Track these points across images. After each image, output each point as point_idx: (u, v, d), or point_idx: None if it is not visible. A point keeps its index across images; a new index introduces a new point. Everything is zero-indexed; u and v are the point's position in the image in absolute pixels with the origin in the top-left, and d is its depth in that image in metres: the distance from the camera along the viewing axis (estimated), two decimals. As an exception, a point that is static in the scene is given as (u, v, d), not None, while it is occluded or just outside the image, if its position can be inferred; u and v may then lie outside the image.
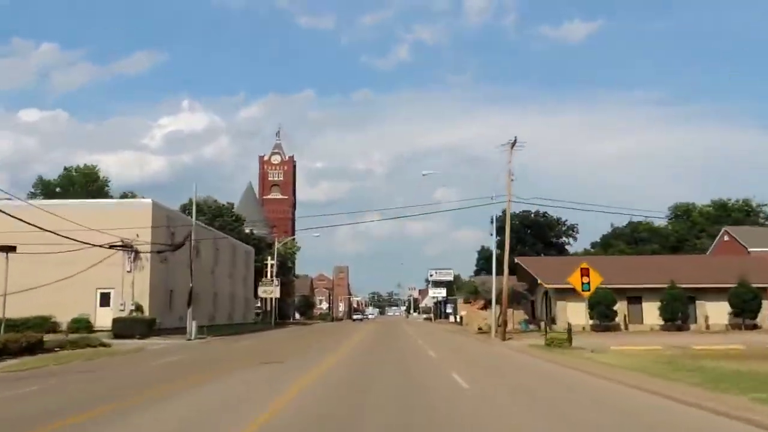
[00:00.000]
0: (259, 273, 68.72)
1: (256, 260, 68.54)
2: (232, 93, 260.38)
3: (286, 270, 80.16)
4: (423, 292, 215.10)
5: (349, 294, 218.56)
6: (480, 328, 46.31)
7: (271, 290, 68.25)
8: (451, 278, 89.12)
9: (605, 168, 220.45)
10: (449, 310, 74.76)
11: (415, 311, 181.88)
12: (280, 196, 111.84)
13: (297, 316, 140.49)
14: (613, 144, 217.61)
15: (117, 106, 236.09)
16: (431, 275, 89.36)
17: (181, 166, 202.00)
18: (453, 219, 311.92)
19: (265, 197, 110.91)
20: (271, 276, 67.19)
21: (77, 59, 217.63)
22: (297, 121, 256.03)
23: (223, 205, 67.03)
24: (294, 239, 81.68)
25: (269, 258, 70.64)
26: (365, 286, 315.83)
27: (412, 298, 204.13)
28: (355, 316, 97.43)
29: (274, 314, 67.89)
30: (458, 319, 67.95)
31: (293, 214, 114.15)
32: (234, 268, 59.16)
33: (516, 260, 44.24)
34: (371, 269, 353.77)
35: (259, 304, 75.58)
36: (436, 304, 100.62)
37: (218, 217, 65.01)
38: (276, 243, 72.10)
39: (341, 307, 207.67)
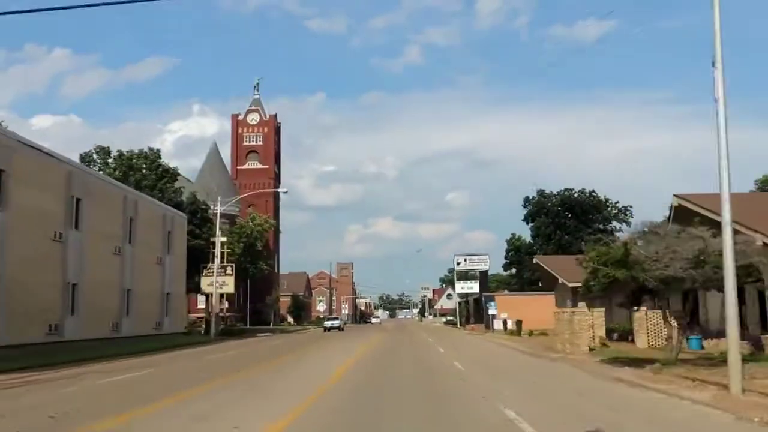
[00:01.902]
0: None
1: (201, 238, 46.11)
2: (242, 96, 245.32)
3: (253, 255, 57.89)
4: (439, 293, 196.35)
5: (354, 294, 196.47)
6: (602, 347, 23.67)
7: (219, 283, 45.55)
8: (486, 266, 66.90)
9: (618, 167, 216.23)
10: (493, 311, 52.22)
11: (429, 314, 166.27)
12: (259, 166, 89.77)
13: (290, 320, 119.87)
14: (624, 143, 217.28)
15: (129, 111, 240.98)
16: (458, 263, 67.04)
17: (191, 170, 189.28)
18: (466, 221, 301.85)
19: (239, 167, 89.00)
20: (220, 261, 44.80)
21: (90, 64, 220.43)
22: (308, 125, 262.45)
23: (141, 152, 44.57)
24: (269, 217, 59.88)
25: (229, 237, 48.32)
26: (375, 288, 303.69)
27: (426, 299, 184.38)
28: (327, 323, 65.58)
29: (215, 321, 45.32)
30: (513, 326, 45.34)
31: (276, 187, 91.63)
32: (156, 246, 37.12)
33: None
34: (381, 272, 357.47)
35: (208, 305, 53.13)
36: (463, 303, 78.02)
37: (132, 171, 42.50)
38: (216, 216, 49.71)
39: (345, 309, 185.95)
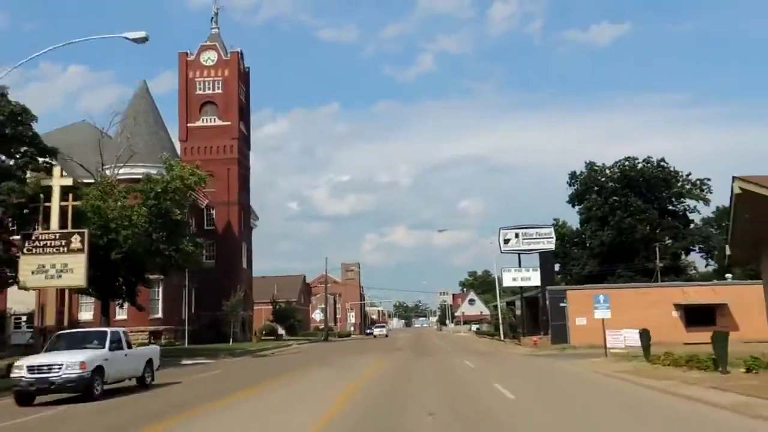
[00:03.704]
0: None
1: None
2: (256, 108, 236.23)
3: (169, 229, 35.16)
4: (459, 299, 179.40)
5: (363, 300, 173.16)
6: None
7: (56, 268, 21.54)
8: (550, 246, 44.03)
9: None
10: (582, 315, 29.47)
11: (450, 321, 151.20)
12: (218, 122, 66.79)
13: (281, 331, 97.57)
14: (639, 148, 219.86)
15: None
16: (505, 239, 43.91)
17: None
18: (481, 228, 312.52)
19: (190, 125, 65.96)
20: (60, 226, 21.42)
21: (105, 80, 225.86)
22: (322, 135, 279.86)
23: None
24: (202, 172, 37.48)
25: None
26: (390, 297, 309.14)
27: (446, 305, 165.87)
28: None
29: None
30: (620, 341, 21.63)
31: (243, 154, 68.91)
32: None
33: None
34: (396, 281, 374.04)
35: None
36: (506, 307, 55.12)
37: None
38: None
39: (352, 317, 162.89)
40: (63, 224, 25.51)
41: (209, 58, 69.54)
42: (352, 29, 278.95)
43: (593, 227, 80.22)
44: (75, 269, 24.81)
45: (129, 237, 34.85)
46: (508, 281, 46.57)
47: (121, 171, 49.36)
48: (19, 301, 53.45)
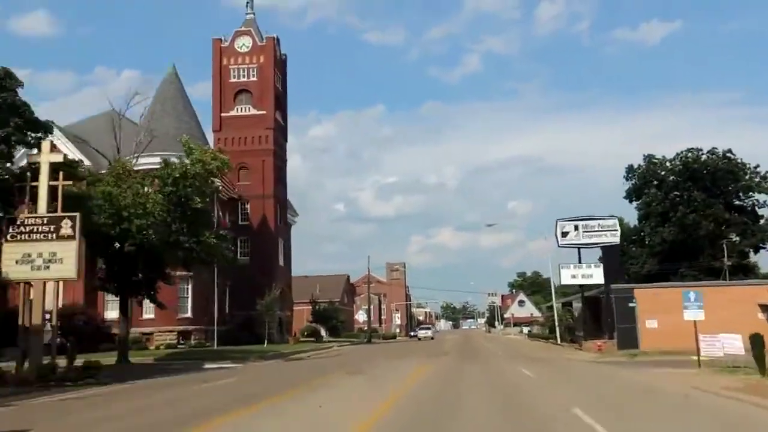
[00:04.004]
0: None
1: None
2: (303, 111, 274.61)
3: (189, 219, 31.67)
4: (508, 300, 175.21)
5: (408, 301, 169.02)
6: None
7: (44, 258, 17.84)
8: (615, 239, 39.47)
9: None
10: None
11: (499, 323, 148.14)
12: (252, 111, 63.66)
13: (323, 333, 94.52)
14: (689, 147, 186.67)
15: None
16: (563, 232, 39.47)
17: None
18: (528, 230, 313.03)
19: (224, 114, 62.86)
20: (48, 207, 18.08)
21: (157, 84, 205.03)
22: (368, 137, 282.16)
23: None
24: (222, 154, 33.80)
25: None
26: (436, 297, 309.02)
27: (495, 307, 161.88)
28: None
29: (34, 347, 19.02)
30: (719, 346, 16.79)
31: (279, 145, 65.67)
32: None
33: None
34: (443, 283, 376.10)
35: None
36: (564, 308, 50.67)
37: None
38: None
39: (397, 319, 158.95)
40: (59, 208, 22.15)
41: (244, 44, 66.48)
42: (398, 31, 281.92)
43: (653, 224, 75.32)
44: (65, 259, 21.45)
45: (143, 227, 31.59)
46: (566, 279, 41.99)
47: (145, 160, 46.67)
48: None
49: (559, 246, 42.34)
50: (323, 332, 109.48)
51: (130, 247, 31.96)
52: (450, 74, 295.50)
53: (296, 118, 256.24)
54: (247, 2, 69.56)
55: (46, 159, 21.88)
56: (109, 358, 37.33)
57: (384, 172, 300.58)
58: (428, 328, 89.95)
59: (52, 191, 22.06)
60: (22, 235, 21.52)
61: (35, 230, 21.50)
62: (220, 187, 47.81)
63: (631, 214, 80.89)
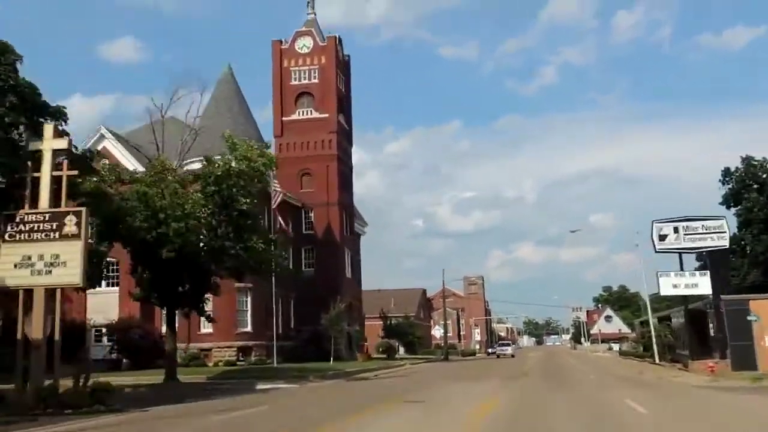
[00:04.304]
0: None
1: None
2: (379, 128, 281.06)
3: (236, 223, 28.37)
4: (594, 315, 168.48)
5: (488, 315, 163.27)
6: None
7: (46, 261, 14.41)
8: (724, 243, 35.11)
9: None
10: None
11: (585, 340, 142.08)
12: (314, 115, 60.69)
13: (401, 350, 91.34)
14: None
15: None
16: (661, 236, 34.49)
17: None
18: (611, 243, 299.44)
19: (285, 118, 60.15)
20: (52, 204, 14.99)
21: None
22: (445, 152, 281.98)
23: None
24: (266, 149, 30.48)
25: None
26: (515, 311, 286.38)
27: (580, 322, 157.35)
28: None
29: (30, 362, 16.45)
30: None
31: (344, 150, 62.51)
32: None
33: None
34: (524, 298, 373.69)
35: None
36: (662, 323, 45.39)
37: None
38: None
39: (476, 334, 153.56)
40: (62, 203, 19.07)
41: (304, 45, 63.78)
42: (472, 45, 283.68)
43: (755, 231, 68.23)
44: (69, 262, 18.29)
45: (181, 230, 28.48)
46: (666, 289, 36.53)
47: (196, 166, 44.25)
48: (98, 310, 49.14)
49: (656, 251, 36.92)
50: (399, 348, 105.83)
51: (169, 254, 28.88)
52: (526, 87, 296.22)
53: (373, 135, 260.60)
54: (308, 2, 66.97)
55: (48, 146, 18.84)
56: (159, 376, 34.60)
57: (461, 187, 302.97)
58: (507, 345, 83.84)
59: (57, 183, 18.96)
60: (22, 235, 18.51)
61: (36, 228, 18.46)
62: (277, 190, 44.63)
63: (729, 220, 74.11)
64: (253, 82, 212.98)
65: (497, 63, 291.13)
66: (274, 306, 45.42)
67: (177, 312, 33.78)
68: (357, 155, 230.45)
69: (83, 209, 18.66)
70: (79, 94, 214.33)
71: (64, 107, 21.04)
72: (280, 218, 45.24)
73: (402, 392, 24.94)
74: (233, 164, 30.71)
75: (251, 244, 31.29)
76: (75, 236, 18.40)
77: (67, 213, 18.56)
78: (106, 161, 31.11)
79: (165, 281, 32.16)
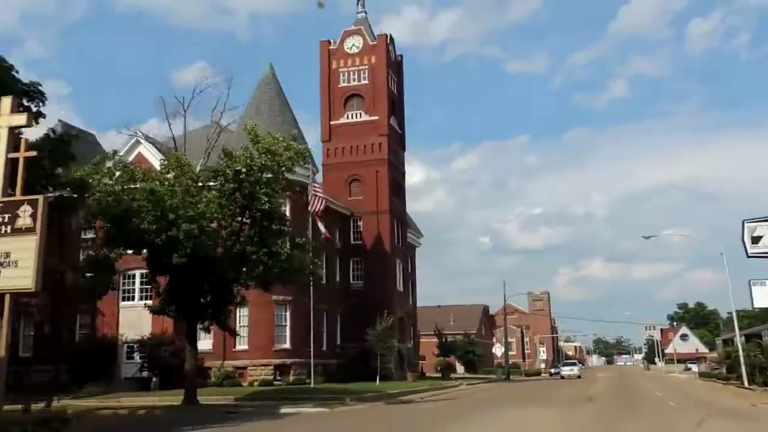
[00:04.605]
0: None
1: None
2: (446, 144, 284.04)
3: (268, 229, 25.08)
4: (669, 334, 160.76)
5: (554, 333, 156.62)
6: None
7: None
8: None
9: None
10: None
11: (660, 359, 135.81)
12: (364, 117, 57.49)
13: (460, 369, 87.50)
14: None
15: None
16: (754, 238, 29.34)
17: None
18: (687, 260, 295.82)
19: (333, 122, 57.10)
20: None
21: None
22: (512, 168, 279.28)
23: None
24: (303, 147, 27.16)
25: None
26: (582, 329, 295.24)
27: (654, 341, 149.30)
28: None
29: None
30: None
31: (395, 154, 59.13)
32: None
33: None
34: (595, 316, 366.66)
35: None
36: (750, 342, 39.93)
37: None
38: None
39: (542, 353, 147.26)
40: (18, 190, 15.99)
41: (354, 44, 60.69)
42: (541, 59, 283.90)
43: None
44: (20, 261, 15.09)
45: (193, 233, 25.28)
46: (761, 300, 31.64)
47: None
48: (131, 325, 46.67)
49: (748, 256, 31.95)
50: (459, 367, 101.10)
51: (180, 259, 25.76)
52: (596, 100, 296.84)
53: (441, 151, 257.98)
54: (358, 0, 63.94)
55: (5, 122, 15.78)
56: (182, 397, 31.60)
57: (529, 202, 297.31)
58: (573, 364, 77.34)
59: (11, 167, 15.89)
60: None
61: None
62: (318, 194, 41.30)
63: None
64: (299, 86, 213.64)
65: (566, 76, 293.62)
66: (312, 320, 41.97)
67: (199, 326, 30.67)
68: (424, 172, 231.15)
69: (40, 197, 15.49)
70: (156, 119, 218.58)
71: (39, 84, 18.00)
72: (320, 224, 41.73)
73: (443, 420, 21.09)
74: (255, 158, 27.42)
75: (275, 249, 27.91)
76: (29, 230, 15.24)
77: (22, 202, 15.43)
78: (116, 155, 28.22)
79: (182, 292, 29.12)
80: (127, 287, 44.69)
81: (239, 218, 28.09)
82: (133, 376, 43.74)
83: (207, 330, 32.78)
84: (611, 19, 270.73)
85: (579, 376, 67.03)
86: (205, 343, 45.48)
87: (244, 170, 27.27)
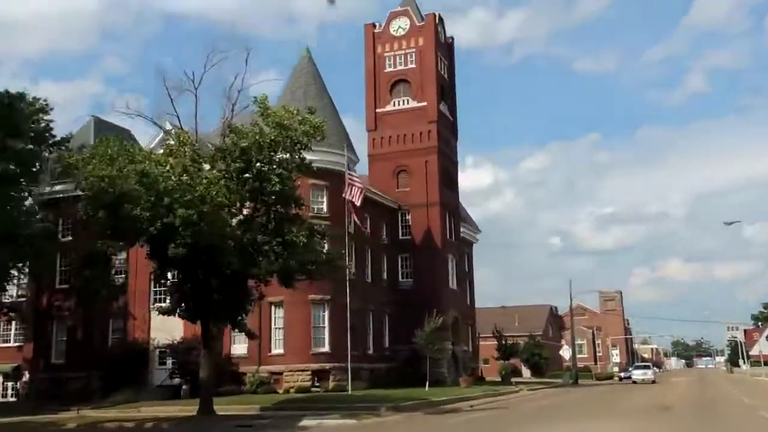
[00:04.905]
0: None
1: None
2: (514, 144, 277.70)
3: (282, 217, 21.42)
4: (753, 334, 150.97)
5: (628, 334, 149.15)
6: None
7: None
8: None
9: None
10: None
11: (745, 362, 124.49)
12: (411, 104, 53.93)
13: (525, 372, 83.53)
14: None
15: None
16: None
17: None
18: None
19: (380, 110, 53.74)
20: None
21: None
22: (583, 167, 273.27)
23: None
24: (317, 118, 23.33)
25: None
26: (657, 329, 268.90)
27: (739, 343, 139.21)
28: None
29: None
30: None
31: (446, 142, 55.43)
32: None
33: None
34: (671, 317, 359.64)
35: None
36: None
37: None
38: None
39: (615, 356, 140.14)
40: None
41: (400, 26, 57.05)
42: (610, 56, 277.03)
43: None
44: None
45: (191, 220, 22.10)
46: None
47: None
48: (163, 329, 44.15)
49: None
50: (525, 371, 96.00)
51: (177, 250, 22.65)
52: (670, 96, 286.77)
53: (510, 151, 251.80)
54: (404, -22, 60.25)
55: None
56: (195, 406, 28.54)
57: (600, 202, 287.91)
58: (647, 368, 68.91)
59: None
60: None
61: None
62: (355, 183, 37.77)
63: None
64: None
65: (637, 72, 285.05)
66: (350, 320, 38.38)
67: (213, 329, 27.58)
68: (493, 174, 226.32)
69: None
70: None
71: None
72: (355, 215, 38.22)
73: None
74: (266, 133, 24.07)
75: (290, 238, 24.50)
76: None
77: None
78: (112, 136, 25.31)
79: (191, 289, 26.05)
80: (156, 288, 42.14)
81: (249, 204, 24.78)
82: (162, 383, 41.22)
83: (220, 332, 29.49)
84: (684, 13, 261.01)
85: (654, 381, 60.97)
86: (239, 347, 42.68)
87: (253, 147, 23.94)
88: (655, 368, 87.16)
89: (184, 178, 22.92)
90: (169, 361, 42.31)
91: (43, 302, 47.21)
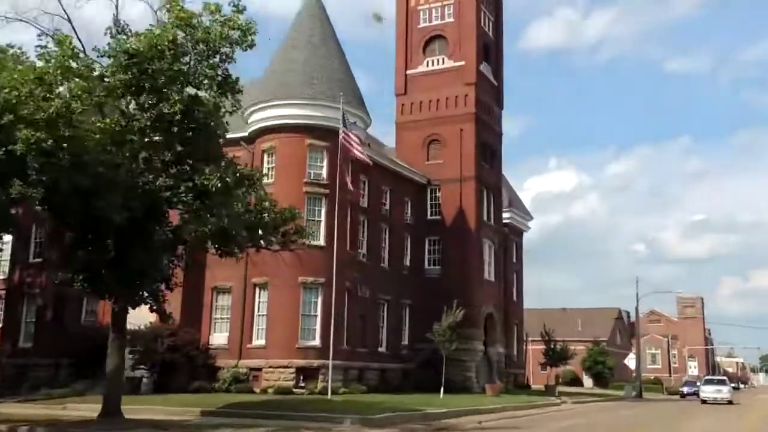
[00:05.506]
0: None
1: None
2: (599, 148, 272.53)
3: (197, 144, 14.01)
4: None
5: (708, 344, 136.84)
6: None
7: None
8: None
9: None
10: None
11: None
12: (447, 64, 46.64)
13: (588, 382, 76.09)
14: None
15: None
16: None
17: (550, 227, 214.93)
18: None
19: (410, 71, 46.67)
20: None
21: None
22: (671, 172, 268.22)
23: None
24: None
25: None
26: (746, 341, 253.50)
27: None
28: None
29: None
30: None
31: (487, 110, 47.86)
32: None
33: None
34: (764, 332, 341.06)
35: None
36: None
37: None
38: None
39: (693, 368, 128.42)
40: None
41: (434, -24, 49.62)
42: (704, 56, 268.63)
43: None
44: None
45: (41, 147, 15.62)
46: None
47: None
48: (138, 312, 38.26)
49: None
50: (587, 380, 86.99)
51: (27, 190, 16.16)
52: None
53: (594, 156, 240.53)
54: None
55: None
56: (137, 405, 22.54)
57: (689, 209, 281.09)
58: (721, 383, 54.61)
59: None
60: None
61: None
62: (352, 139, 30.68)
63: None
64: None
65: (733, 73, 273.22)
66: (345, 310, 31.49)
67: (111, 304, 21.04)
68: (577, 178, 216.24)
69: None
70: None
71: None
72: (349, 180, 31.20)
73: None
74: (165, 34, 17.33)
75: (202, 182, 17.73)
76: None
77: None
78: None
79: (84, 253, 19.65)
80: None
81: (148, 132, 18.07)
82: (127, 375, 35.28)
83: (125, 310, 22.64)
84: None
85: (730, 401, 49.85)
86: (219, 336, 36.39)
87: (148, 53, 17.20)
88: (733, 384, 76.49)
89: (32, 87, 16.33)
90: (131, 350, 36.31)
91: (15, 278, 42.27)
